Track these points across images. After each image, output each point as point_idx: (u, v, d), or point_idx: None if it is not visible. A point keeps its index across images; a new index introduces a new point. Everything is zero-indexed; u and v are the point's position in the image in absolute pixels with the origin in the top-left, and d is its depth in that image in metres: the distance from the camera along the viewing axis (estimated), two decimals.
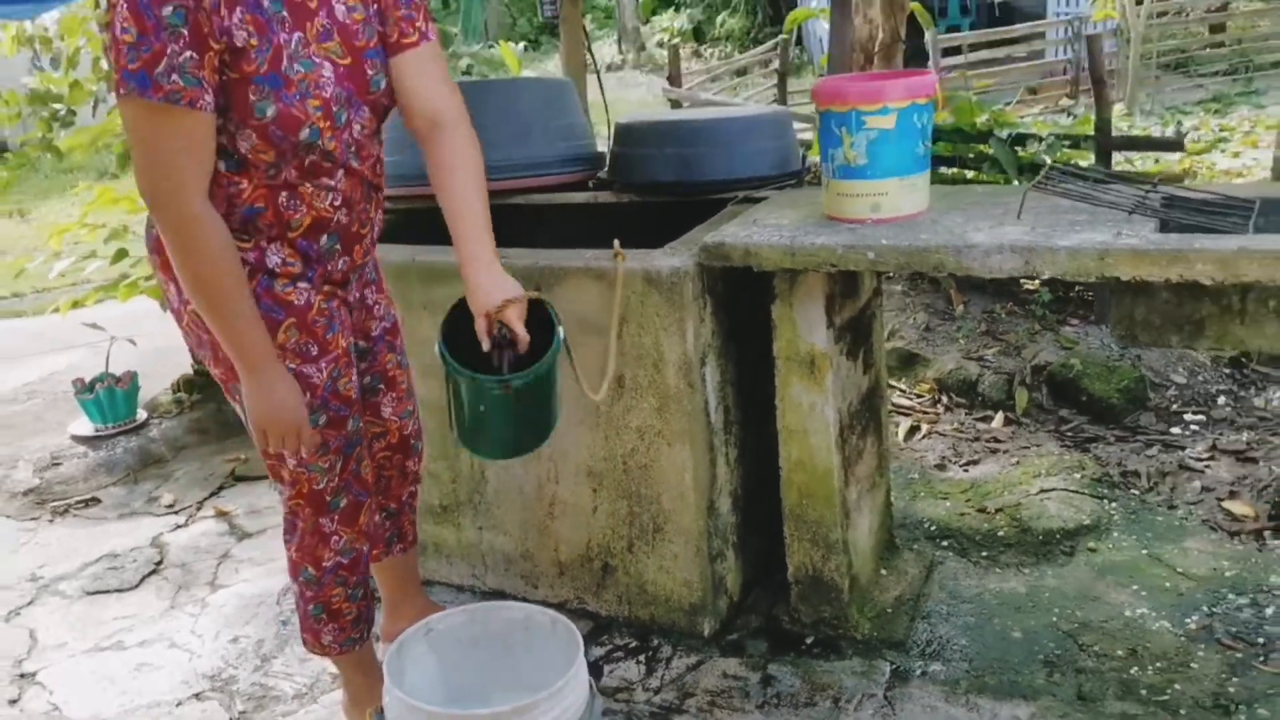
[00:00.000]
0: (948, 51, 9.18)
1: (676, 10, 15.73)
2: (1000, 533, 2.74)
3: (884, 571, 2.58)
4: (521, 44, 14.40)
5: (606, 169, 2.98)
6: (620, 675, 2.28)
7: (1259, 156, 5.75)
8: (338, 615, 2.01)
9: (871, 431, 2.53)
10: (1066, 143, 3.58)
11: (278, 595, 2.73)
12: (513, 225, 2.84)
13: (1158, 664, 2.17)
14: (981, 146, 3.73)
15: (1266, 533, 2.72)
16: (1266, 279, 1.73)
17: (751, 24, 14.52)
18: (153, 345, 4.21)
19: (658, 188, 2.75)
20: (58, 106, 3.40)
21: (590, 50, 4.41)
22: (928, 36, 7.50)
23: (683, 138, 2.71)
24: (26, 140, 3.45)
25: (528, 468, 2.45)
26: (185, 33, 1.52)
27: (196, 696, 2.33)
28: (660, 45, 15.64)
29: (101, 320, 4.01)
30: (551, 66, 15.84)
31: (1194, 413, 3.38)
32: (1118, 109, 8.17)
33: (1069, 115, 7.95)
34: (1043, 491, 2.93)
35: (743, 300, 2.35)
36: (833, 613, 2.37)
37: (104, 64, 3.48)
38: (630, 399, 2.29)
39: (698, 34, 15.50)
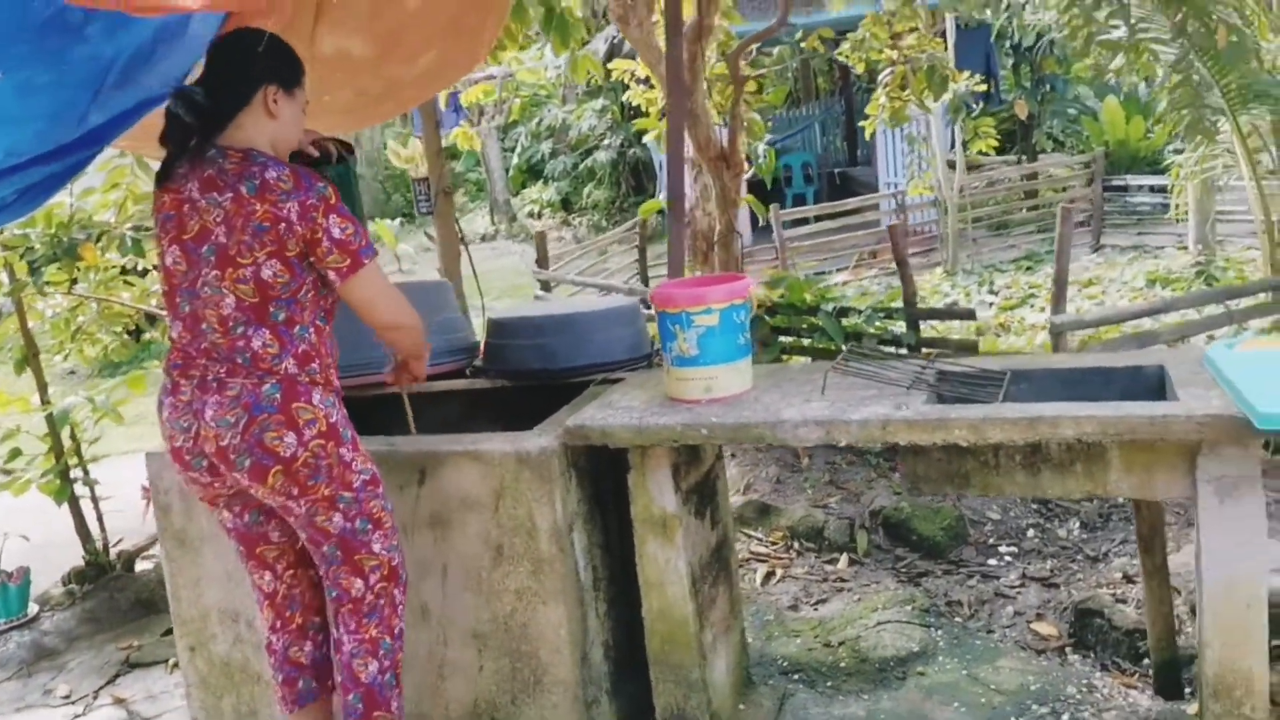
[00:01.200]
0: (797, 222, 10.11)
1: (545, 183, 16.58)
2: (842, 664, 3.11)
3: (742, 706, 2.90)
4: (397, 219, 14.96)
5: (482, 358, 3.35)
6: None
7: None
8: (399, 679, 2.44)
9: (723, 580, 2.90)
10: (881, 314, 4.14)
11: None
12: (389, 413, 3.18)
13: None
14: (811, 319, 4.25)
15: (1067, 649, 3.16)
16: (1007, 439, 2.20)
17: (616, 194, 15.44)
18: (43, 539, 4.32)
19: (527, 374, 3.14)
20: None
21: (464, 240, 4.87)
22: (772, 214, 8.33)
23: (546, 330, 3.12)
24: None
25: (419, 635, 2.72)
26: None
27: None
28: (530, 215, 16.41)
29: None
30: (423, 237, 16.41)
31: (1007, 545, 3.86)
32: (938, 272, 9.12)
33: (894, 276, 8.82)
34: (879, 624, 3.31)
35: (607, 471, 2.72)
36: None
37: (2, 276, 3.74)
38: (508, 565, 2.61)
39: (565, 204, 16.36)
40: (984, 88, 7.45)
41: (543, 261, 7.55)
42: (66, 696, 3.46)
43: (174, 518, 2.93)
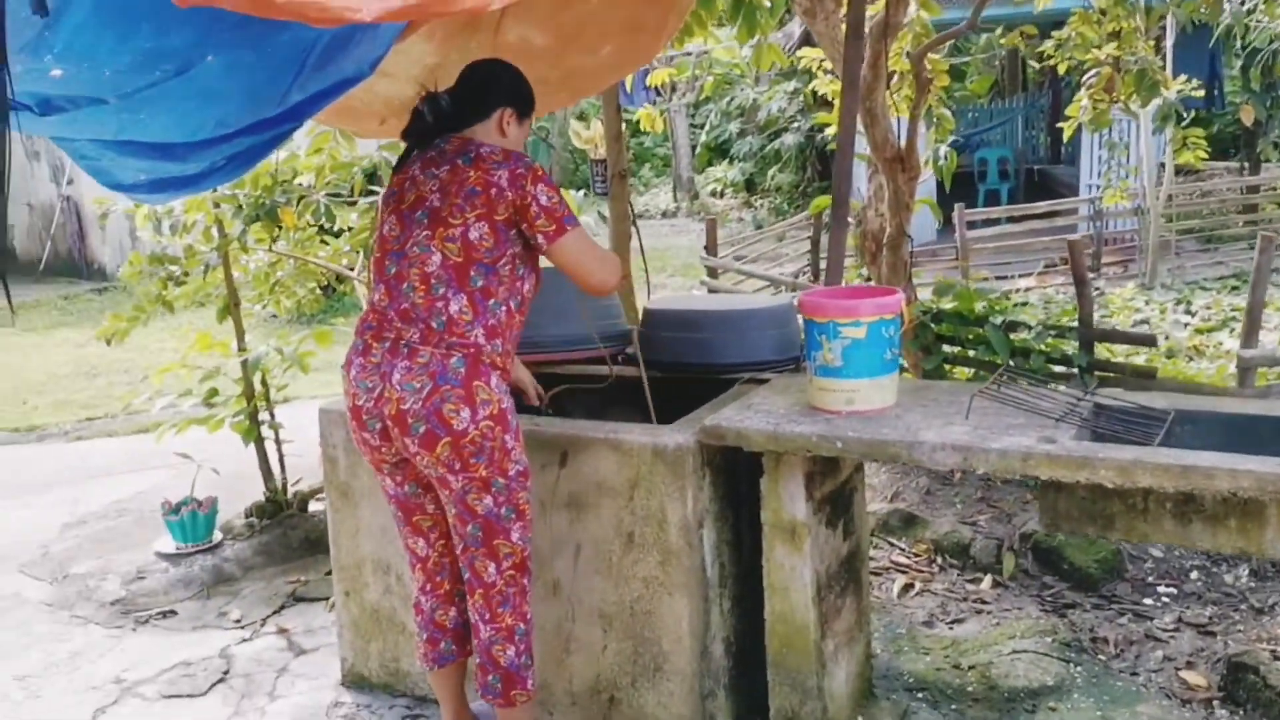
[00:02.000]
0: (987, 222, 9.74)
1: (730, 163, 16.55)
2: (970, 688, 3.05)
3: (860, 718, 2.89)
4: (581, 190, 15.32)
5: (634, 346, 3.43)
6: None
7: (1263, 338, 6.08)
8: (533, 658, 2.60)
9: (851, 591, 2.89)
10: (1053, 331, 3.98)
11: (327, 708, 3.11)
12: (570, 396, 3.30)
13: None
14: (979, 330, 4.14)
15: (1215, 702, 3.00)
16: (1157, 485, 2.11)
17: (800, 178, 15.25)
18: (232, 471, 4.70)
19: (676, 367, 3.19)
20: (174, 268, 3.99)
21: (636, 223, 4.96)
22: (956, 213, 8.05)
23: (699, 325, 3.17)
24: (145, 291, 4.05)
25: (548, 609, 2.84)
26: None
27: None
28: (713, 194, 16.43)
29: (184, 445, 4.50)
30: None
31: (1167, 585, 3.67)
32: (1132, 286, 8.59)
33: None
34: (1015, 652, 3.23)
35: (744, 470, 2.76)
36: None
37: (214, 232, 4.07)
38: (638, 553, 2.69)
39: (749, 185, 16.28)
40: (1201, 93, 6.97)
41: (711, 248, 7.60)
42: (238, 621, 3.78)
43: (340, 471, 3.14)
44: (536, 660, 2.70)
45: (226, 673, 3.38)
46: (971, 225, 9.60)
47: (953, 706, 2.98)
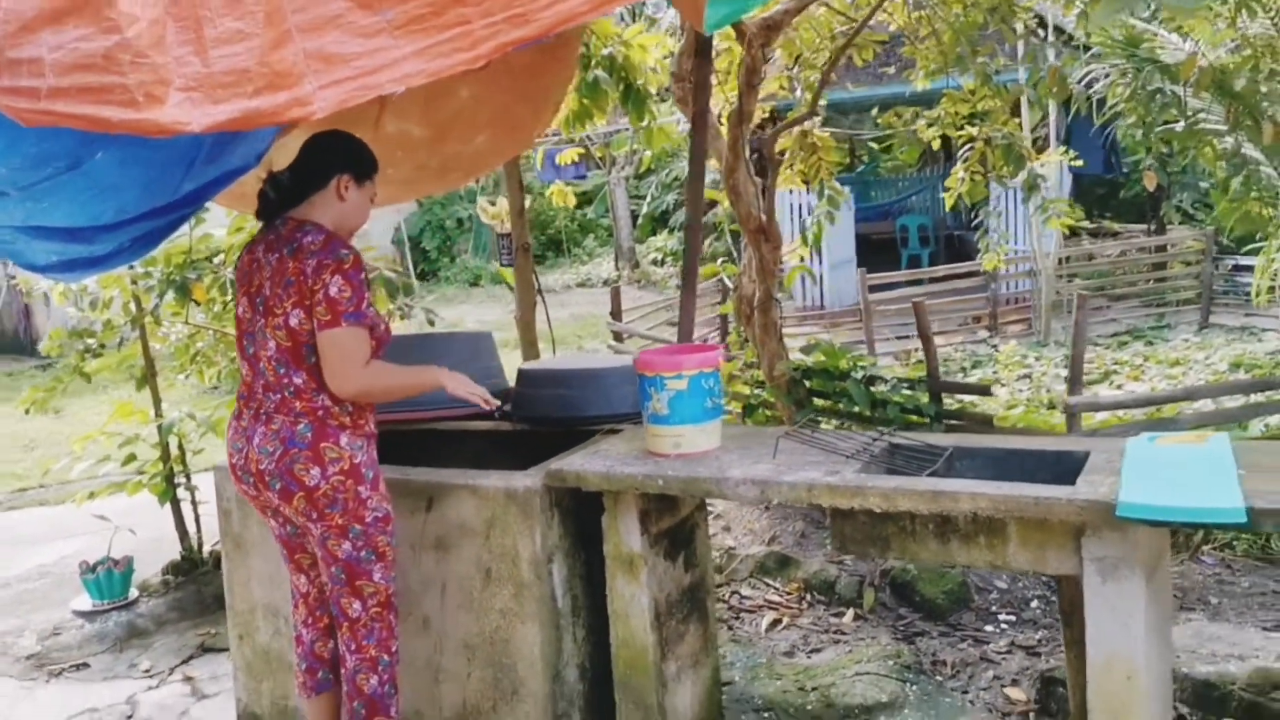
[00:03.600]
0: (910, 283, 10.26)
1: (670, 232, 17.08)
2: (809, 707, 3.35)
3: None
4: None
5: (510, 404, 3.75)
6: None
7: (1135, 389, 6.53)
8: (397, 687, 2.84)
9: (695, 618, 3.20)
10: (906, 384, 4.36)
11: None
12: (433, 447, 3.63)
13: None
14: (842, 384, 4.51)
15: (1031, 714, 3.32)
16: (914, 509, 2.45)
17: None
18: (150, 535, 4.93)
19: (543, 421, 3.52)
20: (91, 341, 4.29)
21: (541, 293, 5.33)
22: (858, 278, 8.57)
23: (564, 382, 3.50)
24: (64, 363, 4.33)
25: (420, 643, 3.12)
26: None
27: None
28: (654, 263, 16.92)
29: (109, 511, 4.74)
30: (551, 279, 17.15)
31: (1008, 613, 4.01)
32: (1027, 342, 9.10)
33: (987, 344, 8.87)
34: (857, 674, 3.54)
35: (594, 511, 3.07)
36: None
37: (131, 306, 4.37)
38: (495, 586, 2.98)
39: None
40: (1079, 163, 7.50)
41: (616, 314, 8.07)
42: (147, 670, 4.00)
43: (233, 523, 3.42)
44: (401, 692, 2.97)
45: (130, 718, 3.60)
46: (889, 287, 10.11)
47: None
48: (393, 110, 3.44)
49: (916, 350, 8.96)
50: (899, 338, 9.04)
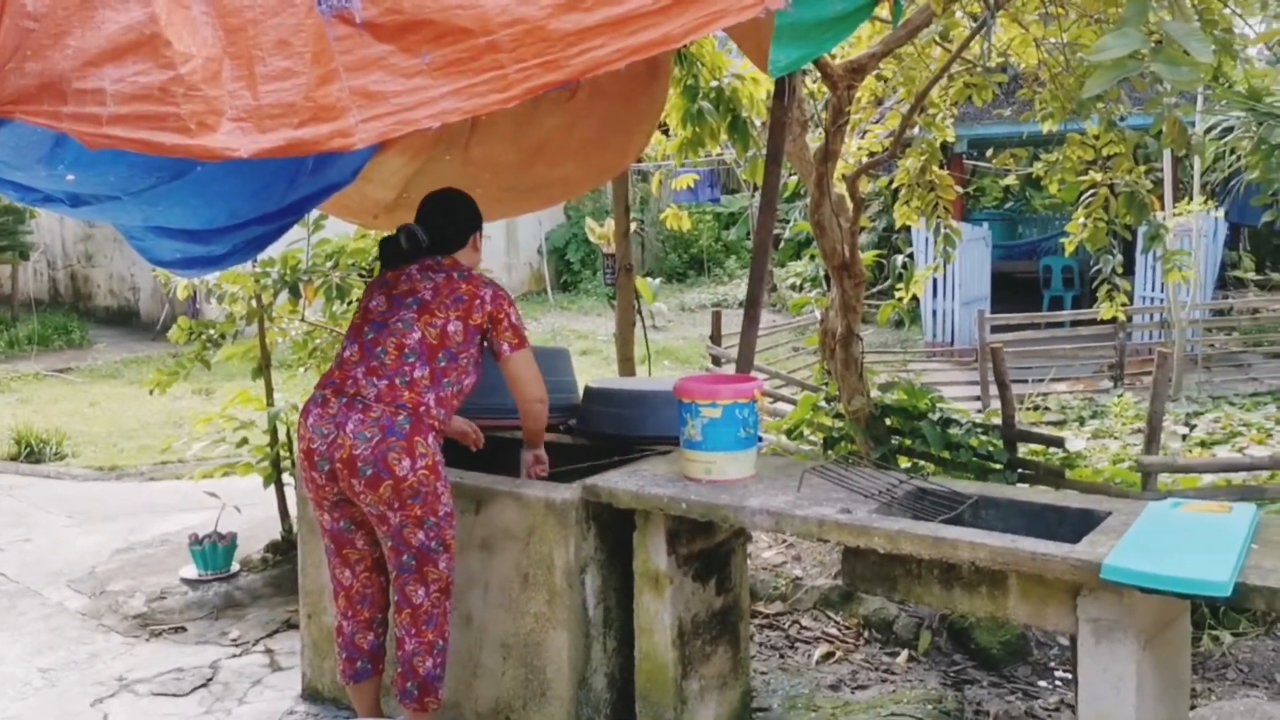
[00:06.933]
0: (1049, 325, 9.98)
1: (812, 259, 17.01)
2: None
3: None
4: (657, 279, 16.02)
5: (576, 419, 3.92)
6: None
7: (1256, 451, 6.20)
8: (445, 672, 3.08)
9: (725, 641, 3.28)
10: (980, 430, 4.32)
11: (281, 715, 3.63)
12: (504, 453, 3.81)
13: None
14: (918, 424, 4.50)
15: None
16: (916, 553, 2.49)
17: (875, 278, 15.59)
18: (259, 515, 5.32)
19: (599, 436, 3.68)
20: (212, 332, 4.69)
21: (640, 312, 5.50)
22: (976, 319, 8.38)
23: (620, 401, 3.65)
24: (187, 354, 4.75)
25: (462, 638, 3.31)
26: None
27: None
28: (792, 288, 16.87)
29: (223, 491, 5.14)
30: (688, 298, 17.33)
31: (1064, 670, 3.92)
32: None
33: (1107, 394, 8.53)
34: (893, 715, 3.54)
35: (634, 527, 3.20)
36: None
37: (252, 303, 4.75)
38: (531, 591, 3.15)
39: (829, 280, 16.67)
40: (1220, 212, 7.19)
41: (716, 338, 8.14)
42: (234, 639, 4.34)
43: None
44: (448, 679, 3.16)
45: (210, 680, 3.93)
46: (1022, 327, 9.86)
47: None
48: (481, 135, 3.67)
49: (1032, 395, 8.74)
50: (1020, 380, 8.78)
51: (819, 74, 4.37)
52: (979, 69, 5.48)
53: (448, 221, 3.23)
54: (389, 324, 3.04)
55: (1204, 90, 6.34)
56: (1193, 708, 3.28)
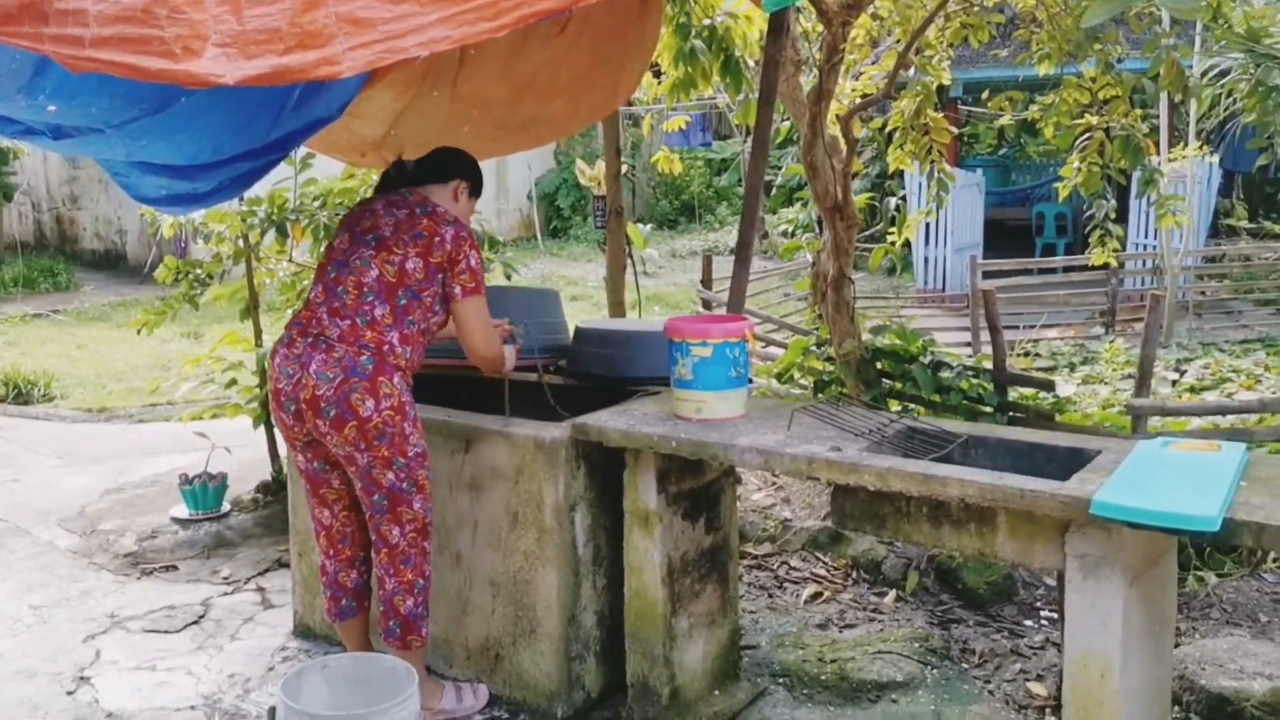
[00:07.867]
0: (1042, 271, 9.95)
1: (804, 205, 16.92)
2: (823, 677, 3.42)
3: (716, 692, 3.29)
4: (648, 225, 15.91)
5: (566, 359, 3.90)
6: None
7: (1245, 397, 6.23)
8: (429, 610, 3.06)
9: (714, 580, 3.30)
10: (971, 372, 4.32)
11: (273, 651, 3.65)
12: (491, 393, 3.80)
13: None
14: (909, 367, 4.50)
15: (1048, 709, 3.31)
16: (905, 490, 2.49)
17: (866, 223, 15.51)
18: (249, 455, 5.31)
19: (588, 377, 3.66)
20: (199, 271, 4.65)
21: (631, 256, 5.47)
22: (969, 265, 8.36)
23: (610, 342, 3.63)
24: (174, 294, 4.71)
25: (451, 576, 3.32)
26: None
27: (191, 708, 3.24)
28: (783, 234, 16.81)
29: (212, 431, 5.13)
30: (679, 244, 17.26)
31: (1050, 610, 3.96)
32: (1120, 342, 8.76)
33: (1099, 340, 8.55)
34: (879, 653, 3.58)
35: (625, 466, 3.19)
36: (655, 714, 3.10)
37: (239, 243, 4.70)
38: (521, 530, 3.15)
39: (821, 226, 16.60)
40: (1215, 158, 7.15)
41: (706, 281, 8.12)
42: (226, 578, 4.35)
43: None
44: (432, 618, 3.18)
45: (202, 617, 3.95)
46: (1015, 273, 9.84)
47: (804, 691, 3.36)
48: (469, 69, 3.60)
49: (1023, 341, 8.75)
50: (1007, 327, 8.79)
51: (814, 11, 4.29)
52: (976, 8, 5.41)
53: (436, 158, 3.21)
54: (349, 262, 2.99)
55: (1202, 32, 6.27)
56: (1177, 645, 3.32)
